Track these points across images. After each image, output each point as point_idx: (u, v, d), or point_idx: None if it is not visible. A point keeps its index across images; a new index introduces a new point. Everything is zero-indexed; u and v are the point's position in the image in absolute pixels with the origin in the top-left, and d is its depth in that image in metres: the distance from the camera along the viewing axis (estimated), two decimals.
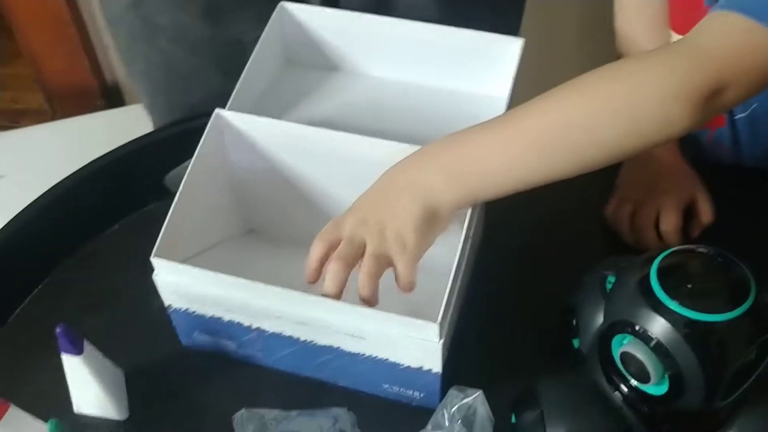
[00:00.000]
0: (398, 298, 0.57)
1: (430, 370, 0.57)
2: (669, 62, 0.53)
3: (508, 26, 0.70)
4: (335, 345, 0.58)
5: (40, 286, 0.71)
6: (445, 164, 0.56)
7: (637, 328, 0.49)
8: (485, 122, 0.57)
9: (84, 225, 0.74)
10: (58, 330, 0.56)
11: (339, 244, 0.55)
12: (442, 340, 0.55)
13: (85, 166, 0.78)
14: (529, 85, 0.72)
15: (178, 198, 0.60)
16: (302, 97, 0.71)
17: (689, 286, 0.49)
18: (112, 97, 1.66)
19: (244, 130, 0.64)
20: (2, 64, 1.82)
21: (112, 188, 0.77)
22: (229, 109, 0.64)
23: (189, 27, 0.83)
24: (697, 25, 0.54)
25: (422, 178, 0.56)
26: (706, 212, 0.70)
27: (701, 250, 0.51)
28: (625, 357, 0.51)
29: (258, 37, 0.69)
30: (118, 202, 0.75)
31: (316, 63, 0.74)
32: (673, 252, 0.51)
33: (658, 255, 0.51)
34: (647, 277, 0.50)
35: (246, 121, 0.64)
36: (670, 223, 0.69)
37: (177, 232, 0.60)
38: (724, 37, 0.52)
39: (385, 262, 0.55)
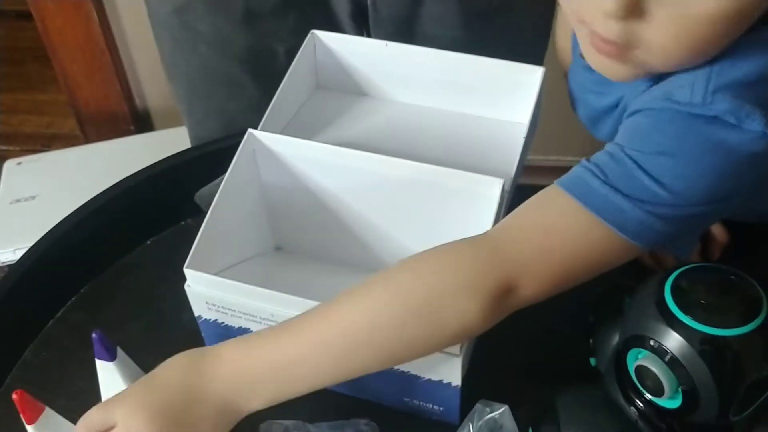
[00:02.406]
0: None
1: (450, 383, 0.59)
2: (467, 258, 0.52)
3: (532, 57, 0.72)
4: None
5: (76, 296, 0.73)
6: (236, 375, 0.53)
7: (652, 342, 0.51)
8: (281, 324, 0.54)
9: (122, 238, 0.77)
10: (93, 336, 0.58)
11: None
12: (462, 354, 0.56)
13: (123, 180, 0.80)
14: (550, 112, 0.74)
15: (211, 214, 0.62)
16: (331, 121, 0.73)
17: (703, 301, 0.50)
18: (142, 123, 1.71)
19: (276, 150, 0.66)
20: (39, 90, 1.87)
21: (149, 203, 0.80)
22: (262, 130, 0.67)
23: (227, 34, 0.85)
24: (504, 219, 0.54)
25: (212, 393, 0.52)
26: (720, 232, 0.71)
27: (714, 267, 0.53)
28: (641, 371, 0.52)
29: (292, 46, 0.70)
30: (154, 217, 0.78)
31: (345, 88, 0.76)
32: (687, 269, 0.53)
33: (673, 272, 0.52)
34: (662, 293, 0.51)
35: (277, 142, 0.66)
36: None
37: (209, 246, 0.62)
38: (520, 237, 0.52)
39: None
